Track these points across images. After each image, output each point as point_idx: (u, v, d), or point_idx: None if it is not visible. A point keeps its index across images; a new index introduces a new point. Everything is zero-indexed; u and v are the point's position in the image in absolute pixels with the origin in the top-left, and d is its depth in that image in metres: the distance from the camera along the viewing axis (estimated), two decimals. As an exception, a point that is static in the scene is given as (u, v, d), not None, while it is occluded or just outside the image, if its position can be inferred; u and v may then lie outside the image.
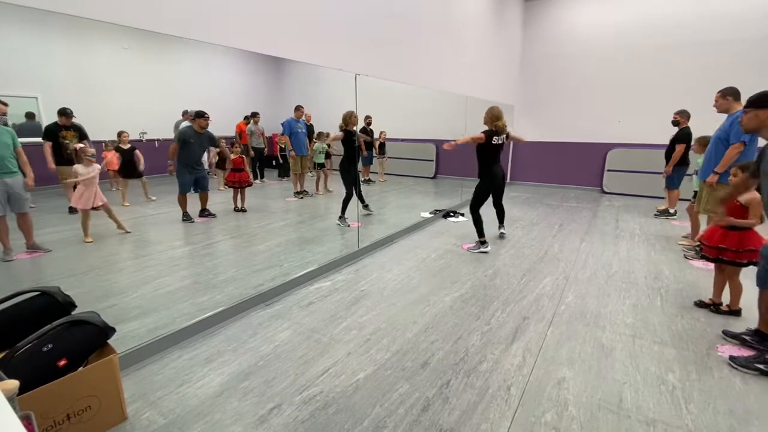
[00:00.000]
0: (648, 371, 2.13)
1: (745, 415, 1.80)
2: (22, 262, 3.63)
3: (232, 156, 5.69)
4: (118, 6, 2.00)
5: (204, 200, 5.34)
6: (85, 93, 5.84)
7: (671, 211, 5.60)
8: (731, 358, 2.20)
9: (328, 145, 6.80)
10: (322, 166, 7.02)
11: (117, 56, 6.44)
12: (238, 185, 5.68)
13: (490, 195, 4.31)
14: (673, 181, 5.38)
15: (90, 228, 4.18)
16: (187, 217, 5.10)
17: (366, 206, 5.65)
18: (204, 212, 5.35)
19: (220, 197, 6.55)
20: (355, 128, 4.78)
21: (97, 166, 4.22)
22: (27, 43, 5.42)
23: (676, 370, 2.15)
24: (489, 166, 4.11)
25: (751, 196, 2.41)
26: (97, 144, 5.63)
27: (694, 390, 1.98)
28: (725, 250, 2.55)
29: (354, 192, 4.94)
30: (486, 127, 4.04)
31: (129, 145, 5.51)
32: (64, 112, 4.78)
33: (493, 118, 3.98)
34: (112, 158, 5.42)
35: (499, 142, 4.04)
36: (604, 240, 4.57)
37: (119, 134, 5.48)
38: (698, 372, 2.13)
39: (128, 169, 5.49)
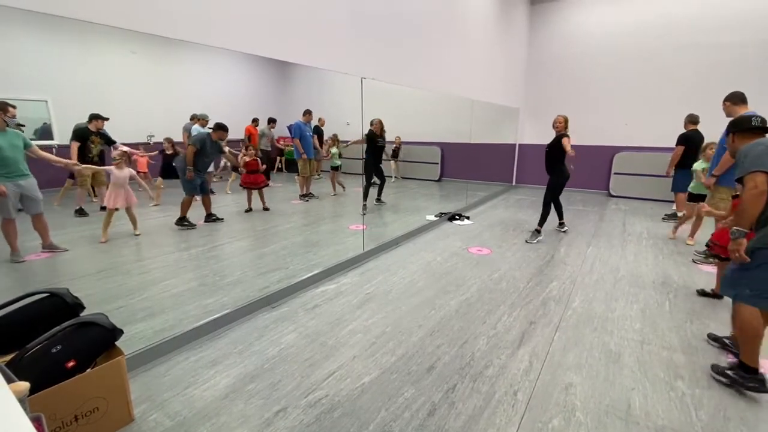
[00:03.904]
0: (657, 377, 2.11)
1: (756, 423, 1.78)
2: (30, 264, 3.67)
3: (247, 158, 5.87)
4: (127, 11, 2.03)
5: (207, 204, 5.25)
6: (93, 96, 5.90)
7: (679, 214, 5.53)
8: (713, 366, 2.15)
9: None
10: (337, 168, 7.38)
11: (125, 60, 6.51)
12: (254, 186, 5.86)
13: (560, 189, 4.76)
14: (677, 184, 5.33)
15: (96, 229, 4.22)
16: (188, 223, 5.08)
17: (378, 199, 6.59)
18: (210, 217, 5.25)
19: (228, 200, 6.60)
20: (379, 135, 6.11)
21: (129, 170, 4.41)
22: (36, 48, 5.49)
23: (686, 376, 2.12)
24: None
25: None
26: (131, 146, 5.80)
27: (704, 397, 1.95)
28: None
29: (370, 182, 6.25)
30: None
31: (171, 151, 5.70)
32: (98, 117, 4.87)
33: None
34: (143, 160, 5.60)
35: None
36: (611, 244, 4.53)
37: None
38: (708, 378, 2.10)
39: (167, 171, 5.62)
